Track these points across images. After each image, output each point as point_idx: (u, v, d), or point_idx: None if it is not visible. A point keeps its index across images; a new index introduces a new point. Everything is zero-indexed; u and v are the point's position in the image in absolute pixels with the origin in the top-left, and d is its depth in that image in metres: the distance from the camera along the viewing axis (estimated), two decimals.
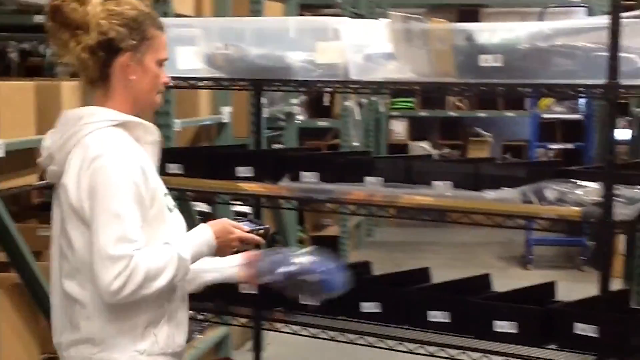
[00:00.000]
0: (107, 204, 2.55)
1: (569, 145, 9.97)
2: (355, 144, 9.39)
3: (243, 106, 6.08)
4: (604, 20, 3.10)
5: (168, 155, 3.56)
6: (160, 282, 2.60)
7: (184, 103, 5.09)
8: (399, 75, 3.53)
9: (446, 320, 3.57)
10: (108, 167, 2.57)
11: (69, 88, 4.30)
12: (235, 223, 2.90)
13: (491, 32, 3.39)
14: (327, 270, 3.02)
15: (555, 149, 10.44)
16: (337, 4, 9.18)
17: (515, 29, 3.40)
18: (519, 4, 11.77)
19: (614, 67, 3.04)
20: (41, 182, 4.15)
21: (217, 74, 3.97)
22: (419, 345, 3.55)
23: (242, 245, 2.88)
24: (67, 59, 2.69)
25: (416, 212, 3.59)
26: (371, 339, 3.62)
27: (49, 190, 2.82)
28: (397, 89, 3.74)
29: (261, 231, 2.96)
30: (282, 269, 2.99)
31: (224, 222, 2.87)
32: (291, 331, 3.92)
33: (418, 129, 11.92)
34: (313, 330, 3.71)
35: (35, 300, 4.10)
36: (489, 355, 3.47)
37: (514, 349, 3.43)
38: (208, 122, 5.72)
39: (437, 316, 3.59)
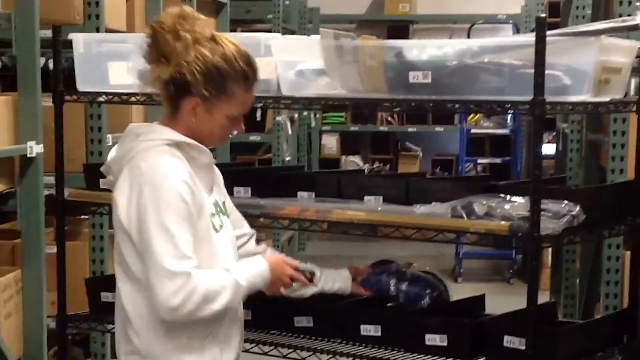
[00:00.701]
0: (160, 221, 2.56)
1: (497, 160, 10.10)
2: (287, 158, 9.41)
3: None
4: (530, 37, 3.15)
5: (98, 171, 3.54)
6: (216, 305, 2.63)
7: (116, 118, 5.06)
8: (330, 91, 3.56)
9: (378, 334, 3.61)
10: (156, 186, 2.59)
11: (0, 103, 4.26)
12: (288, 260, 3.03)
13: (420, 49, 3.42)
14: (431, 289, 3.62)
15: (484, 163, 10.58)
16: (268, 19, 9.21)
17: (443, 46, 3.44)
18: (447, 21, 11.89)
19: (540, 84, 3.09)
20: None
21: (149, 90, 3.95)
22: (352, 359, 3.57)
23: (291, 284, 3.05)
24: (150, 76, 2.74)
25: (348, 227, 3.62)
26: (304, 353, 3.63)
27: None
28: (328, 105, 3.76)
29: (307, 274, 3.17)
30: (392, 286, 3.59)
31: (280, 258, 3.00)
32: None
33: (349, 144, 11.97)
34: (246, 345, 3.72)
35: None
36: None
37: None
38: None
39: (369, 330, 3.62)
